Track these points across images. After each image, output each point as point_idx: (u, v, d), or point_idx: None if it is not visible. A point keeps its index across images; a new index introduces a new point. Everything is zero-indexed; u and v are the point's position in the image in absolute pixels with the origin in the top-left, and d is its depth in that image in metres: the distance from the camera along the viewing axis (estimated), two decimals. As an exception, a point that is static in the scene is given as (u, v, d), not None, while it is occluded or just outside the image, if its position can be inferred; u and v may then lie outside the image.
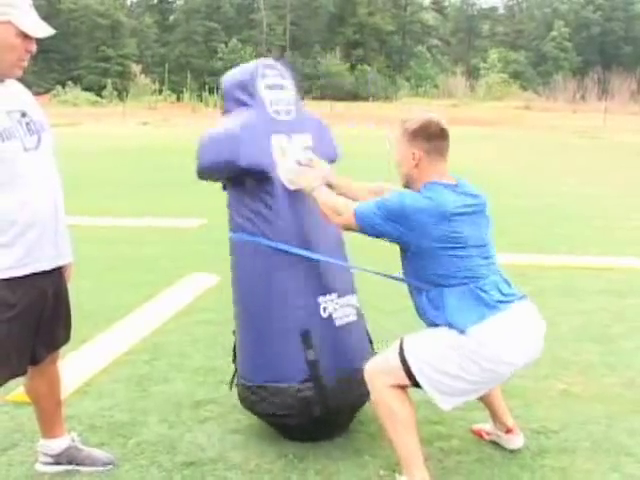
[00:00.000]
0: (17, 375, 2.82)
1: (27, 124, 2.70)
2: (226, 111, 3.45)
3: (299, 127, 3.44)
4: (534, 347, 2.96)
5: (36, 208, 2.67)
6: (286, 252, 3.22)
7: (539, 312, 3.01)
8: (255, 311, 3.34)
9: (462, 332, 2.79)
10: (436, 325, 2.89)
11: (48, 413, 3.09)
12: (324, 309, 3.26)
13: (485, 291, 2.84)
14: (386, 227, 2.86)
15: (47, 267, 2.77)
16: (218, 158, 3.26)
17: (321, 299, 3.26)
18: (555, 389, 4.08)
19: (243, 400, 3.42)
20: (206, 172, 3.39)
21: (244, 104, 3.37)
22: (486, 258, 2.91)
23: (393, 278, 3.22)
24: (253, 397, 3.31)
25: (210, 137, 3.32)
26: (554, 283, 6.46)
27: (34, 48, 2.69)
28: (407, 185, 3.04)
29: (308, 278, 3.26)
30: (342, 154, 3.69)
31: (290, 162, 3.30)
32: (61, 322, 2.96)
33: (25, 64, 2.70)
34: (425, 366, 2.82)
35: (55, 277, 2.85)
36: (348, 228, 3.03)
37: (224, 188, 3.48)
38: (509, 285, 2.96)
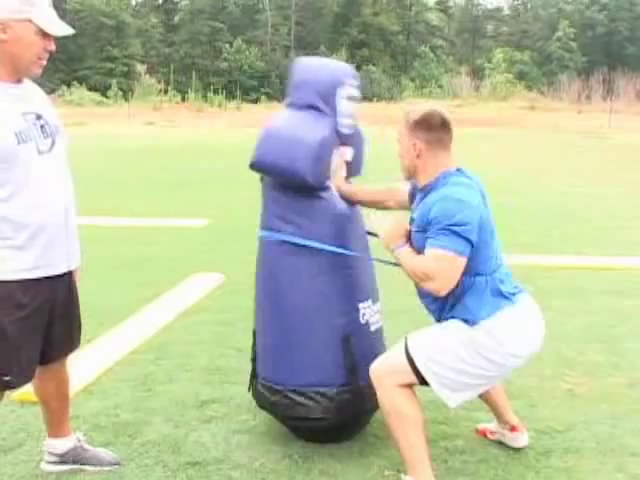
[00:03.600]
0: (28, 379, 2.83)
1: (42, 127, 2.70)
2: (292, 104, 3.28)
3: (350, 141, 3.35)
4: (538, 340, 2.95)
5: (48, 211, 2.68)
6: (331, 257, 3.15)
7: (542, 312, 3.01)
8: (291, 314, 3.23)
9: (475, 323, 2.79)
10: (447, 319, 2.88)
11: (55, 413, 3.10)
12: (363, 315, 3.25)
13: (502, 281, 2.86)
14: (472, 234, 2.74)
15: (59, 271, 2.78)
16: (285, 163, 3.09)
17: (361, 305, 3.25)
18: (560, 389, 4.07)
19: (268, 403, 3.34)
20: (262, 169, 3.21)
21: (318, 109, 3.19)
22: (495, 248, 2.92)
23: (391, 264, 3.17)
24: (284, 400, 3.24)
25: (280, 136, 3.16)
26: (559, 283, 6.46)
27: (53, 47, 2.70)
28: (410, 177, 3.02)
29: (349, 284, 3.23)
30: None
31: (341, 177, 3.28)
32: (72, 326, 2.97)
33: (44, 63, 2.71)
34: (432, 362, 2.82)
35: (66, 280, 2.86)
36: (455, 277, 2.76)
37: (262, 180, 3.34)
38: (512, 277, 2.97)
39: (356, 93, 3.31)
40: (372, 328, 3.31)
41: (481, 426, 3.52)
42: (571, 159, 19.48)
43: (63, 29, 2.69)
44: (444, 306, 2.90)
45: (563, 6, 78.29)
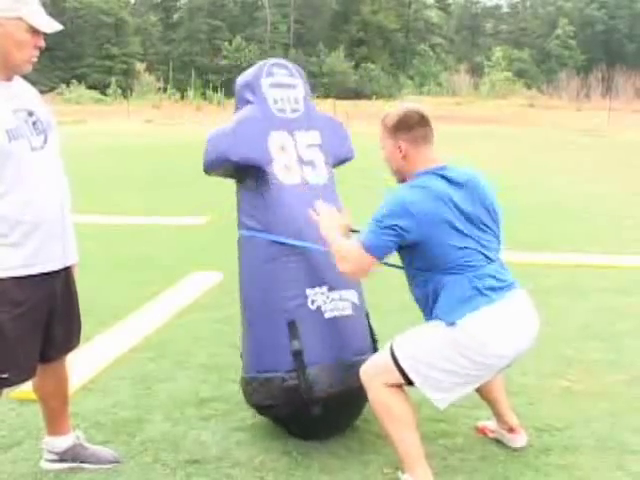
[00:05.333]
0: (28, 377, 2.83)
1: (34, 123, 2.70)
2: (236, 110, 3.52)
3: (305, 125, 3.49)
4: (526, 337, 2.91)
5: (43, 208, 2.68)
6: (280, 245, 3.26)
7: (541, 309, 3.00)
8: (250, 303, 3.39)
9: (453, 324, 2.78)
10: (432, 318, 2.89)
11: (54, 411, 3.10)
12: (312, 301, 3.26)
13: (482, 280, 2.82)
14: (399, 234, 2.79)
15: (55, 267, 2.77)
16: (214, 153, 3.38)
17: (309, 291, 3.26)
18: (559, 387, 4.08)
19: (243, 393, 3.44)
20: (208, 168, 3.49)
21: (249, 102, 3.45)
22: (484, 243, 2.88)
23: (394, 267, 3.19)
24: (248, 388, 3.35)
25: (211, 134, 3.44)
26: (558, 281, 6.46)
27: (43, 44, 2.70)
28: (401, 181, 3.03)
29: (297, 270, 3.27)
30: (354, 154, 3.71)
31: (290, 157, 3.37)
32: (72, 324, 2.97)
33: (35, 60, 2.71)
34: (416, 363, 2.82)
35: (63, 277, 2.86)
36: (361, 270, 2.94)
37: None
38: (505, 272, 2.94)
39: (287, 80, 3.52)
40: (327, 315, 3.27)
41: (480, 424, 3.52)
42: (570, 157, 19.48)
43: (52, 25, 2.70)
44: (427, 305, 2.92)
45: (562, 4, 78.34)
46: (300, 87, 3.55)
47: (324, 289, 3.30)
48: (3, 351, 2.66)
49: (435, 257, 2.82)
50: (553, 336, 4.63)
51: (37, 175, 2.67)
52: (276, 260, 3.28)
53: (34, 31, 2.64)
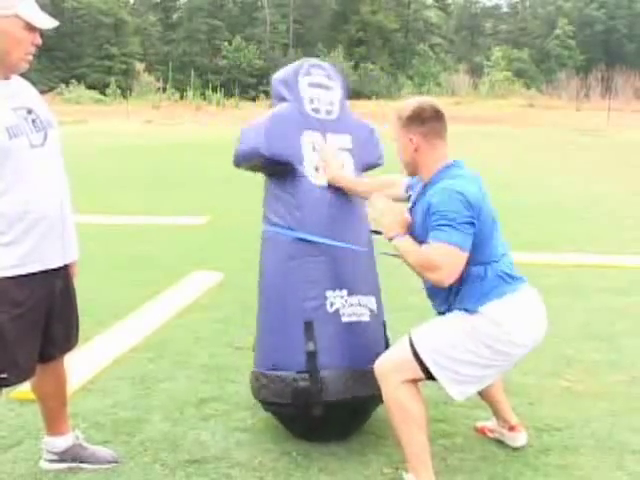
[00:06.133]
0: (27, 377, 2.82)
1: (33, 121, 2.70)
2: (272, 107, 3.51)
3: (338, 128, 3.47)
4: (541, 329, 2.94)
5: (42, 205, 2.67)
6: (304, 245, 3.24)
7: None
8: (268, 299, 3.38)
9: (475, 311, 2.79)
10: (451, 311, 2.89)
11: (53, 411, 3.09)
12: (331, 304, 3.24)
13: (504, 270, 2.85)
14: (474, 224, 2.75)
15: (54, 265, 2.77)
16: (247, 147, 3.38)
17: (330, 293, 3.24)
18: (559, 387, 4.08)
19: (251, 386, 3.43)
20: (239, 161, 3.49)
21: (284, 99, 3.45)
22: (501, 236, 2.93)
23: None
24: (256, 383, 3.34)
25: (245, 128, 3.46)
26: (558, 281, 6.46)
27: (40, 41, 2.69)
28: (412, 173, 3.03)
29: (318, 271, 3.25)
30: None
31: (319, 159, 3.36)
32: (70, 323, 2.97)
33: (31, 57, 2.70)
34: (438, 356, 2.81)
35: (62, 275, 2.85)
36: (456, 273, 2.76)
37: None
38: (514, 267, 2.97)
39: (324, 81, 3.50)
40: (344, 319, 3.25)
41: (480, 424, 3.51)
42: (570, 157, 19.48)
43: (49, 22, 2.69)
44: (448, 297, 2.89)
45: (562, 4, 78.34)
46: (337, 90, 3.54)
47: (344, 292, 3.27)
48: (2, 351, 2.65)
49: (476, 248, 2.79)
50: (553, 336, 4.61)
51: (37, 173, 2.66)
52: (298, 259, 3.26)
53: (30, 28, 2.63)
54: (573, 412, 3.74)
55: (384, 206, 2.97)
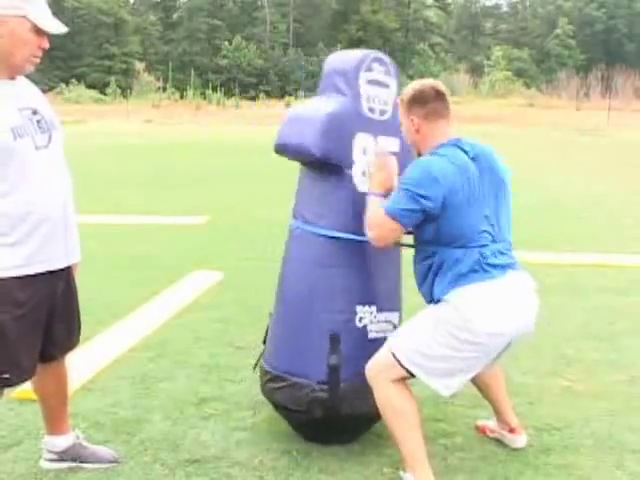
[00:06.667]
0: (29, 377, 2.82)
1: (38, 122, 2.69)
2: (321, 92, 3.35)
3: (389, 130, 3.32)
4: (526, 319, 2.89)
5: (46, 207, 2.67)
6: (338, 254, 3.16)
7: (540, 309, 2.96)
8: (295, 302, 3.26)
9: (440, 300, 2.81)
10: (431, 297, 2.90)
11: (54, 411, 3.09)
12: (360, 319, 3.19)
13: (485, 257, 2.82)
14: (424, 203, 2.77)
15: (57, 266, 2.76)
16: (296, 140, 3.20)
17: (359, 308, 3.19)
18: (559, 386, 4.07)
19: (262, 385, 3.40)
20: (282, 149, 3.31)
21: (340, 92, 3.24)
22: (492, 219, 2.91)
23: (404, 245, 3.16)
24: (271, 384, 3.29)
25: (295, 115, 3.31)
26: (558, 280, 6.46)
27: (47, 44, 2.68)
28: (419, 154, 3.05)
29: (350, 284, 3.17)
30: None
31: (368, 164, 3.21)
32: (72, 323, 2.97)
33: (37, 60, 2.69)
34: (412, 354, 2.82)
35: (64, 275, 2.85)
36: (385, 237, 2.92)
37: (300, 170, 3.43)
38: (510, 253, 2.96)
39: (383, 79, 3.31)
40: (370, 336, 3.20)
41: (480, 423, 3.51)
42: (569, 156, 19.48)
43: (58, 27, 2.68)
44: (429, 281, 2.91)
45: (562, 3, 78.36)
46: (393, 88, 3.36)
47: (373, 309, 3.22)
48: (4, 351, 2.65)
49: (448, 231, 2.81)
50: (553, 335, 4.64)
51: (40, 174, 2.65)
52: (331, 267, 3.17)
53: (38, 31, 2.62)
54: (573, 412, 3.74)
55: (385, 165, 3.09)
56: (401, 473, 2.96)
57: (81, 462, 3.11)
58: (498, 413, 3.37)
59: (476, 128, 28.22)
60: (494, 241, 2.89)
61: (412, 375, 2.85)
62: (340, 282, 3.16)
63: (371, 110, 3.26)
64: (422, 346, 2.81)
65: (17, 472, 3.07)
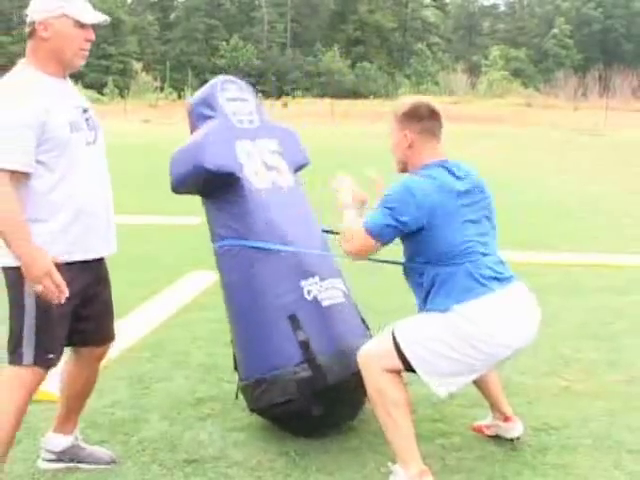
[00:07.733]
0: (58, 362, 2.87)
1: (87, 120, 2.85)
2: (193, 129, 3.60)
3: (264, 134, 3.65)
4: (529, 329, 2.94)
5: (91, 198, 2.82)
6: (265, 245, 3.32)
7: (538, 304, 3.01)
8: (243, 311, 3.42)
9: (448, 309, 2.81)
10: (427, 310, 2.91)
11: (71, 412, 3.13)
12: (308, 292, 3.31)
13: (480, 270, 2.84)
14: (402, 221, 2.83)
15: (97, 255, 2.92)
16: (187, 167, 3.41)
17: (303, 282, 3.31)
18: (557, 386, 4.07)
19: (249, 401, 3.42)
20: (179, 184, 3.52)
21: (209, 117, 3.55)
22: (482, 236, 2.92)
23: (390, 262, 3.24)
24: (255, 392, 3.32)
25: (178, 151, 3.50)
26: (556, 280, 6.46)
27: (92, 36, 2.81)
28: (404, 170, 3.06)
29: (287, 265, 3.33)
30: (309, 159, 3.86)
31: (256, 163, 3.47)
32: (109, 311, 3.10)
33: (86, 53, 2.82)
34: (417, 348, 2.83)
35: (103, 265, 3.02)
36: (362, 252, 2.98)
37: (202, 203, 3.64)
38: (503, 266, 2.96)
39: (239, 95, 3.69)
40: (324, 304, 3.32)
41: (477, 423, 3.51)
42: (567, 156, 19.50)
43: (97, 17, 2.80)
44: (423, 296, 2.95)
45: (559, 3, 78.47)
46: (251, 100, 3.73)
47: (316, 279, 3.36)
48: (49, 333, 2.76)
49: (434, 248, 2.85)
50: (551, 335, 4.63)
51: (88, 168, 2.81)
52: (262, 261, 3.33)
53: (81, 25, 2.74)
54: (571, 411, 3.74)
55: (345, 182, 3.21)
56: (389, 464, 2.96)
57: (79, 463, 3.12)
58: (492, 403, 3.38)
59: (474, 128, 28.26)
60: (485, 255, 2.91)
61: (408, 369, 2.85)
62: (277, 267, 3.32)
63: (240, 122, 3.59)
64: (432, 344, 2.82)
65: (15, 472, 3.07)
